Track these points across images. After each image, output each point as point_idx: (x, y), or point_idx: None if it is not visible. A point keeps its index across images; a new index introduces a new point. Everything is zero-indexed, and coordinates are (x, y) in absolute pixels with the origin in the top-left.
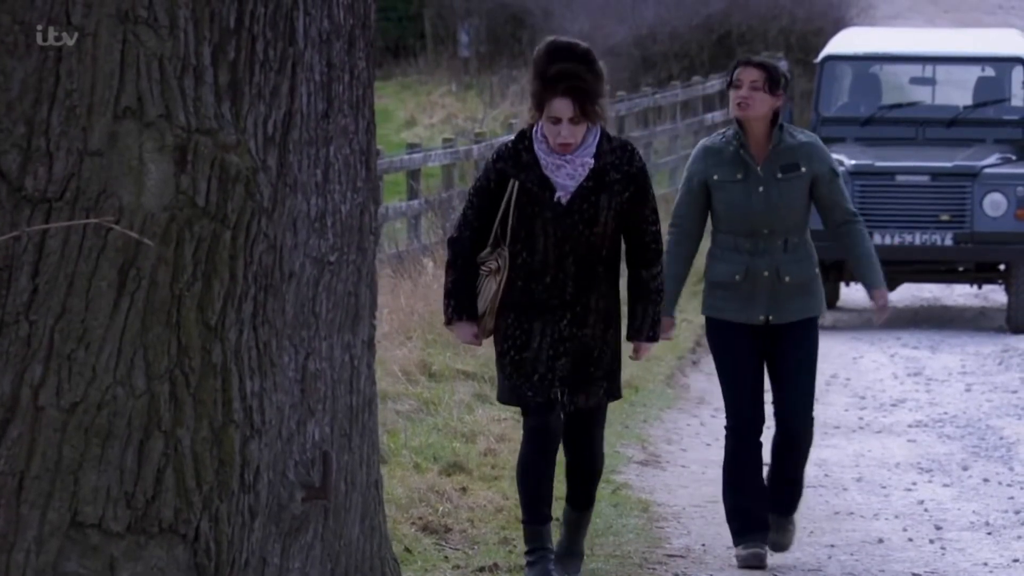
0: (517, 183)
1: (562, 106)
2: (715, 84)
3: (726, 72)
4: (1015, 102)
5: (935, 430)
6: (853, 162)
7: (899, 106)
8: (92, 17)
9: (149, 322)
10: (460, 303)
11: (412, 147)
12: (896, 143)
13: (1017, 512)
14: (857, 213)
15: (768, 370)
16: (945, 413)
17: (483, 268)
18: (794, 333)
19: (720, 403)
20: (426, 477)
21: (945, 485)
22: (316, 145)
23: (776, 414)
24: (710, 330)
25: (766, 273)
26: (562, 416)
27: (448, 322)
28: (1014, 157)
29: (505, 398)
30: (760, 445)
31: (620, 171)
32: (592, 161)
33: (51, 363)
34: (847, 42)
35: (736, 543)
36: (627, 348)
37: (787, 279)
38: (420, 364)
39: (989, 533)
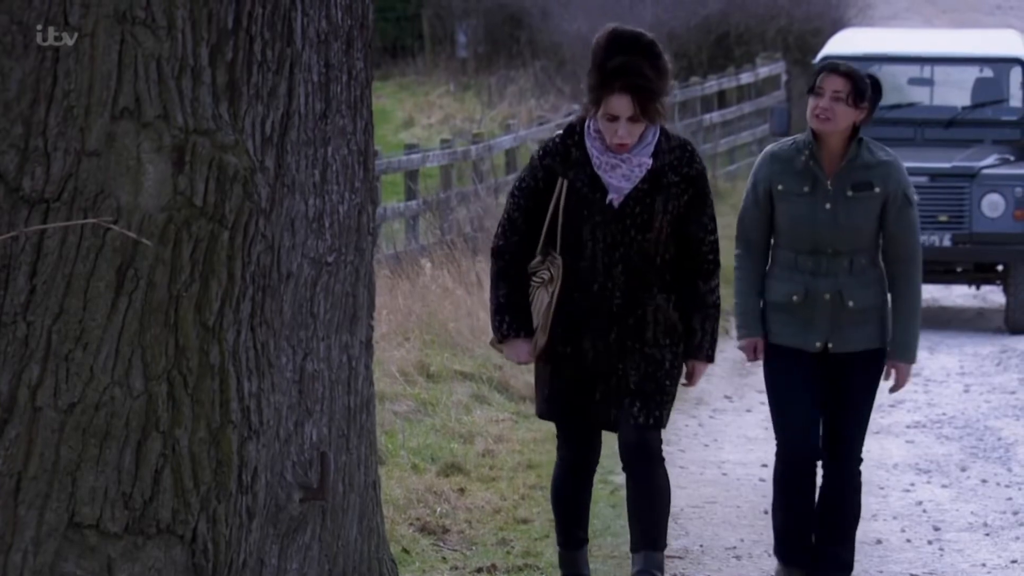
0: (566, 182)
1: (621, 104)
2: (713, 84)
3: (808, 75)
4: (1013, 103)
5: (933, 431)
6: None
7: (897, 107)
8: (90, 18)
9: (147, 322)
10: (516, 318)
11: (410, 148)
12: (895, 144)
13: (1015, 513)
14: (919, 254)
15: (825, 399)
16: (943, 414)
17: (534, 279)
18: (854, 365)
19: (718, 404)
20: (424, 478)
21: (943, 486)
22: (314, 145)
23: (824, 454)
24: (764, 353)
25: (827, 296)
26: (631, 432)
27: (501, 340)
28: (1012, 158)
29: (553, 413)
30: (814, 474)
31: (679, 173)
32: (650, 161)
33: (49, 363)
34: (845, 43)
35: (778, 558)
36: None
37: (851, 304)
38: (418, 365)
39: (987, 534)
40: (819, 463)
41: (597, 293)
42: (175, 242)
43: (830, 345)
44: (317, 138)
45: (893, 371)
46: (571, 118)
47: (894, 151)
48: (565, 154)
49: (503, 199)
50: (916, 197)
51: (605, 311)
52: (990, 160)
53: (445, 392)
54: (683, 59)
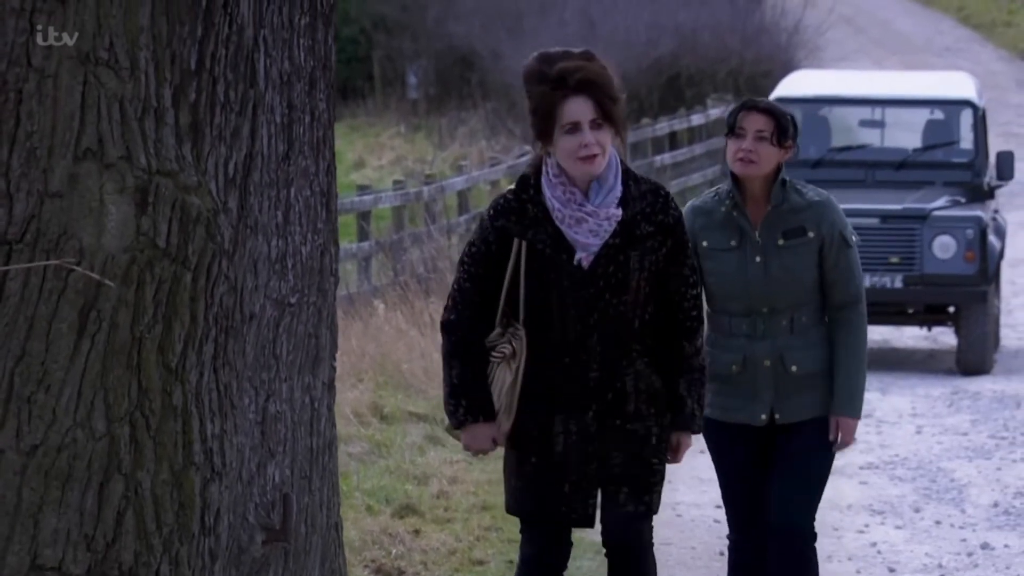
0: (524, 244)
1: (579, 106)
2: (664, 126)
3: (727, 115)
4: (964, 145)
5: (886, 472)
6: None
7: (848, 148)
8: (53, 59)
9: (109, 364)
10: (473, 402)
11: (362, 188)
12: (846, 185)
13: (970, 554)
14: (862, 299)
15: (772, 476)
16: (896, 455)
17: (494, 354)
18: (803, 434)
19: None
20: (379, 519)
21: (897, 527)
22: (277, 187)
23: (768, 524)
24: (707, 431)
25: (767, 362)
26: (619, 523)
27: (458, 426)
28: (963, 200)
29: (522, 509)
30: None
31: (653, 222)
32: (619, 212)
33: (11, 406)
34: (796, 85)
35: None
36: None
37: (794, 368)
38: (372, 406)
39: (942, 575)
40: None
41: (570, 367)
42: (138, 283)
43: (776, 416)
44: (280, 179)
45: (838, 427)
46: (525, 159)
47: (846, 193)
48: (520, 211)
49: (456, 240)
50: (855, 237)
51: (580, 387)
52: (941, 202)
53: (399, 433)
54: (634, 101)
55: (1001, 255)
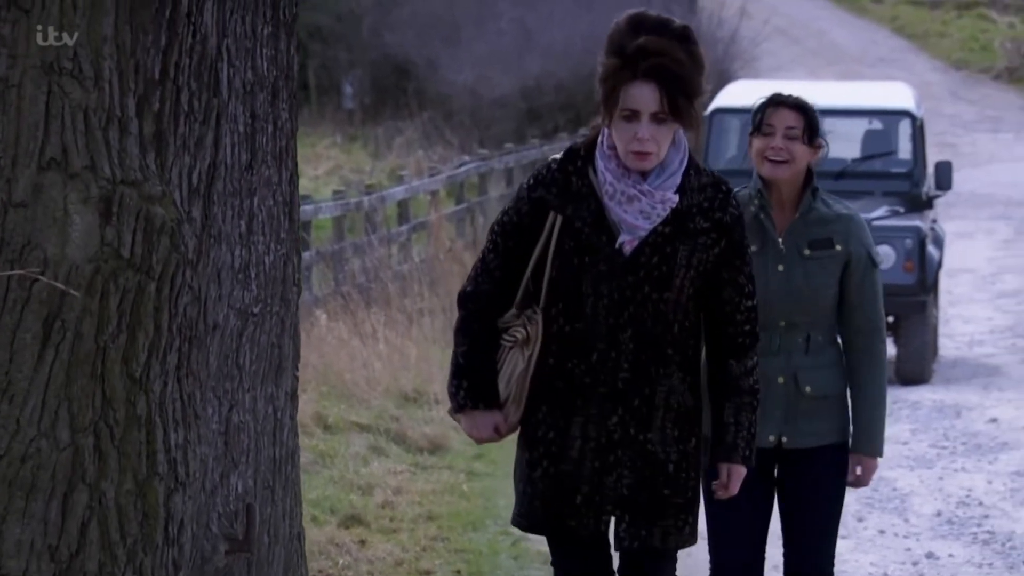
0: (561, 219)
1: (643, 94)
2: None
3: (752, 111)
4: (903, 155)
5: None
6: None
7: None
8: (17, 68)
9: (74, 374)
10: (476, 385)
11: (302, 199)
12: None
13: (915, 563)
14: (883, 327)
15: (779, 508)
16: None
17: (506, 337)
18: (813, 463)
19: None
20: (324, 530)
21: (842, 537)
22: (240, 196)
23: (785, 568)
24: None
25: (781, 379)
26: (624, 558)
27: (458, 409)
28: (903, 210)
29: (529, 522)
30: None
31: (710, 218)
32: (675, 198)
33: None
34: (735, 95)
35: None
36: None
37: (807, 389)
38: (315, 416)
39: None
40: None
41: (597, 364)
42: (102, 293)
43: (784, 439)
44: (243, 189)
45: (858, 467)
46: (465, 169)
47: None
48: (564, 184)
49: (396, 250)
50: (880, 258)
51: (607, 388)
52: (880, 212)
53: (342, 444)
54: (571, 110)
55: (940, 265)
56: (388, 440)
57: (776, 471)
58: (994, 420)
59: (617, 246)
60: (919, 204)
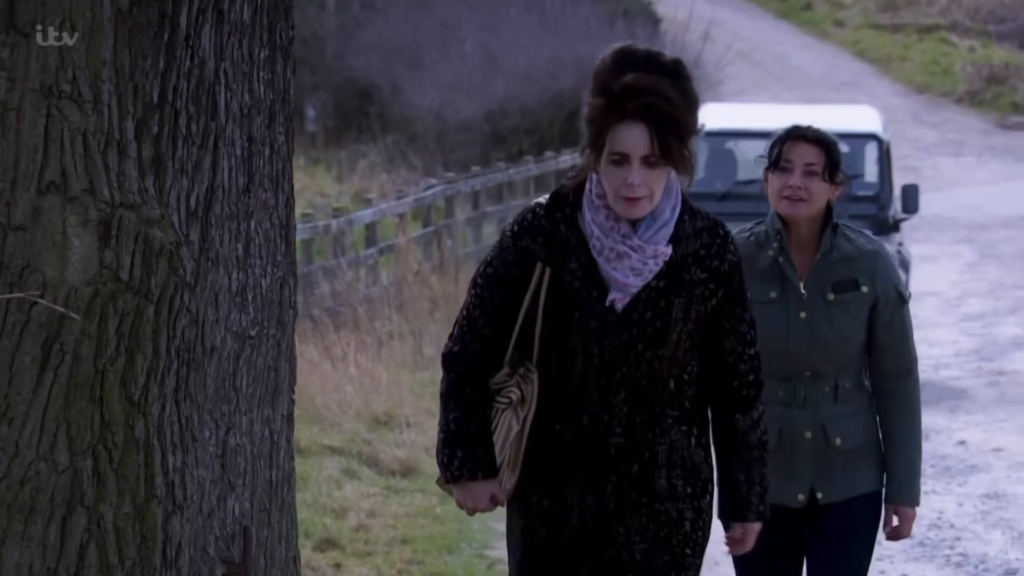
0: (550, 271)
1: (632, 136)
2: (567, 159)
3: (767, 146)
4: (869, 178)
5: None
6: None
7: (754, 182)
8: (16, 92)
9: (72, 397)
10: (472, 454)
11: None
12: (752, 218)
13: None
14: (915, 367)
15: (807, 563)
16: None
17: (499, 398)
18: (844, 516)
19: None
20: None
21: None
22: (237, 219)
23: None
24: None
25: (808, 434)
26: None
27: (454, 479)
28: (869, 232)
29: None
30: None
31: (707, 267)
32: (668, 251)
33: None
34: (701, 118)
35: None
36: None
37: (838, 441)
38: None
39: None
40: None
41: (588, 427)
42: (101, 316)
43: (819, 495)
44: (240, 212)
45: (895, 517)
46: (432, 192)
47: (755, 227)
48: (551, 232)
49: (364, 273)
50: (909, 292)
51: (599, 453)
52: None
53: (315, 467)
54: (535, 134)
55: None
56: (360, 463)
57: (806, 526)
58: (962, 443)
59: (608, 303)
60: (886, 227)
